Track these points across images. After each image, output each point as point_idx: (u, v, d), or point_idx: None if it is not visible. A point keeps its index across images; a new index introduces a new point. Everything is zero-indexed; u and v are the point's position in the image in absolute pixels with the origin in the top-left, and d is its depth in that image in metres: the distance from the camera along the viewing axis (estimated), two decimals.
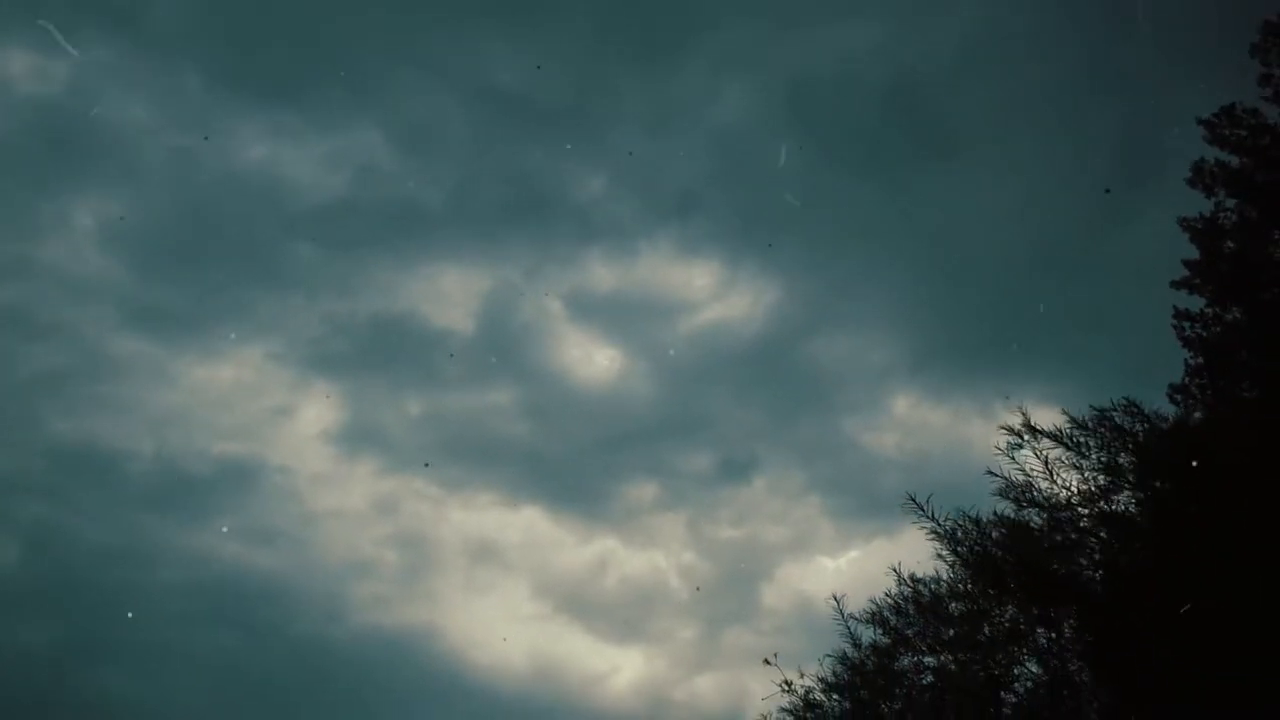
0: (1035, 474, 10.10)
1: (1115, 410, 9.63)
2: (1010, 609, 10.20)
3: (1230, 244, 20.23)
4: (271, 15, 31.49)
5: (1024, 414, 10.63)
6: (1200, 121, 20.28)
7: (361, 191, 32.64)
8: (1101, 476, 9.61)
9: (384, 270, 32.69)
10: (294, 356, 31.82)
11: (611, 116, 32.24)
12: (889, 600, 12.38)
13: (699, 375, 31.51)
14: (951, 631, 10.67)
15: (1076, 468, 9.81)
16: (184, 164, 32.55)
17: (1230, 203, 20.23)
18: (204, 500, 30.48)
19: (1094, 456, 9.60)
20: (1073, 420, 10.42)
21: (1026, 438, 10.30)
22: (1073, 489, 9.69)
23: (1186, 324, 20.14)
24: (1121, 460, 9.58)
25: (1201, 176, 19.87)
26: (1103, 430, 9.65)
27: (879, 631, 12.40)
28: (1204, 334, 20.11)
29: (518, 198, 32.31)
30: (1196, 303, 20.21)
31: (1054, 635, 9.92)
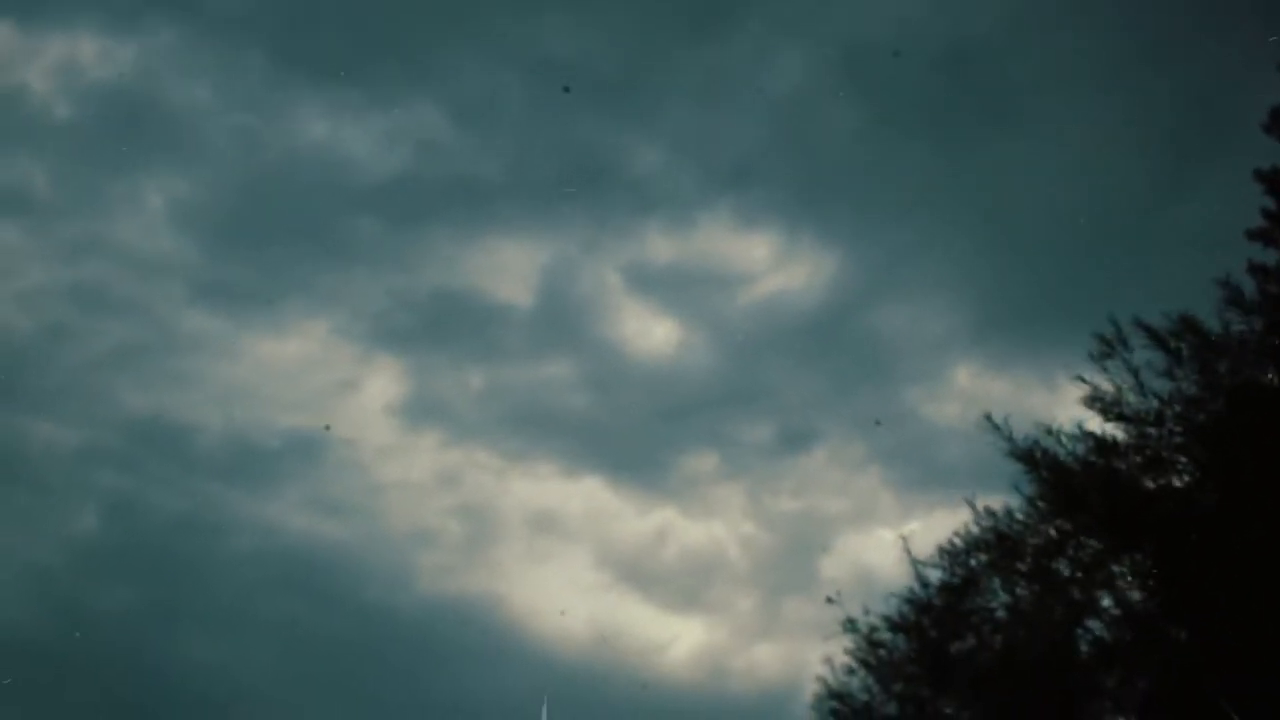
0: (1125, 387, 9.84)
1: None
2: (1090, 542, 9.95)
3: None
4: None
5: (1116, 325, 10.31)
6: None
7: (421, 167, 33.03)
8: (1193, 386, 9.31)
9: (444, 244, 33.06)
10: (358, 330, 32.33)
11: (666, 86, 32.25)
12: (959, 540, 12.08)
13: (759, 346, 31.42)
14: (1027, 564, 10.44)
15: (1168, 375, 9.52)
16: (248, 143, 33.28)
17: None
18: (272, 472, 31.14)
19: (1188, 363, 9.31)
20: (1162, 331, 10.14)
21: (1118, 347, 10.03)
22: (1165, 398, 9.40)
23: (1260, 277, 19.63)
24: (1220, 367, 9.30)
25: (1278, 123, 19.33)
26: (1194, 337, 9.34)
27: (949, 572, 12.13)
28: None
29: (575, 170, 32.51)
30: (1272, 255, 19.70)
31: (1134, 564, 9.65)
